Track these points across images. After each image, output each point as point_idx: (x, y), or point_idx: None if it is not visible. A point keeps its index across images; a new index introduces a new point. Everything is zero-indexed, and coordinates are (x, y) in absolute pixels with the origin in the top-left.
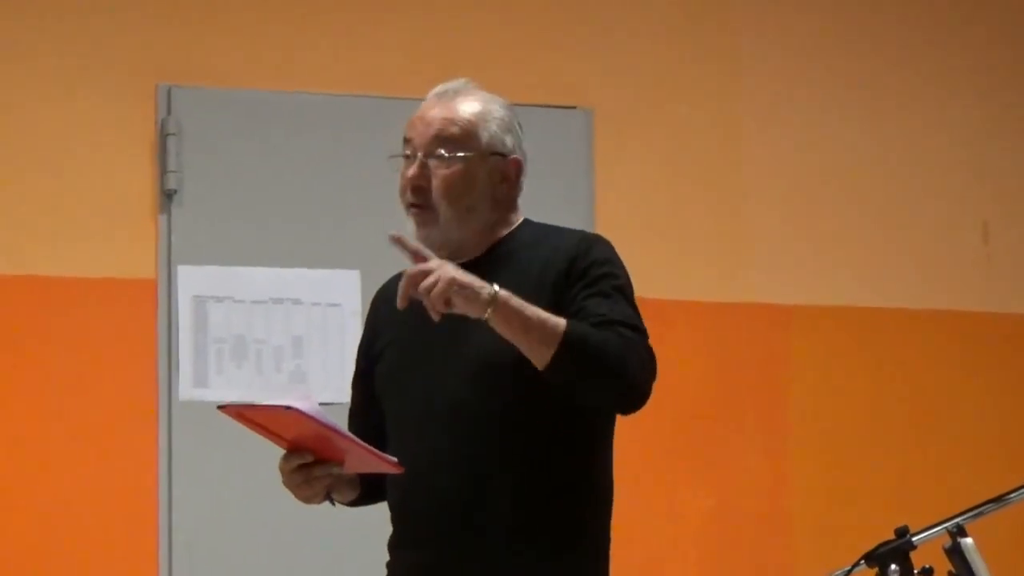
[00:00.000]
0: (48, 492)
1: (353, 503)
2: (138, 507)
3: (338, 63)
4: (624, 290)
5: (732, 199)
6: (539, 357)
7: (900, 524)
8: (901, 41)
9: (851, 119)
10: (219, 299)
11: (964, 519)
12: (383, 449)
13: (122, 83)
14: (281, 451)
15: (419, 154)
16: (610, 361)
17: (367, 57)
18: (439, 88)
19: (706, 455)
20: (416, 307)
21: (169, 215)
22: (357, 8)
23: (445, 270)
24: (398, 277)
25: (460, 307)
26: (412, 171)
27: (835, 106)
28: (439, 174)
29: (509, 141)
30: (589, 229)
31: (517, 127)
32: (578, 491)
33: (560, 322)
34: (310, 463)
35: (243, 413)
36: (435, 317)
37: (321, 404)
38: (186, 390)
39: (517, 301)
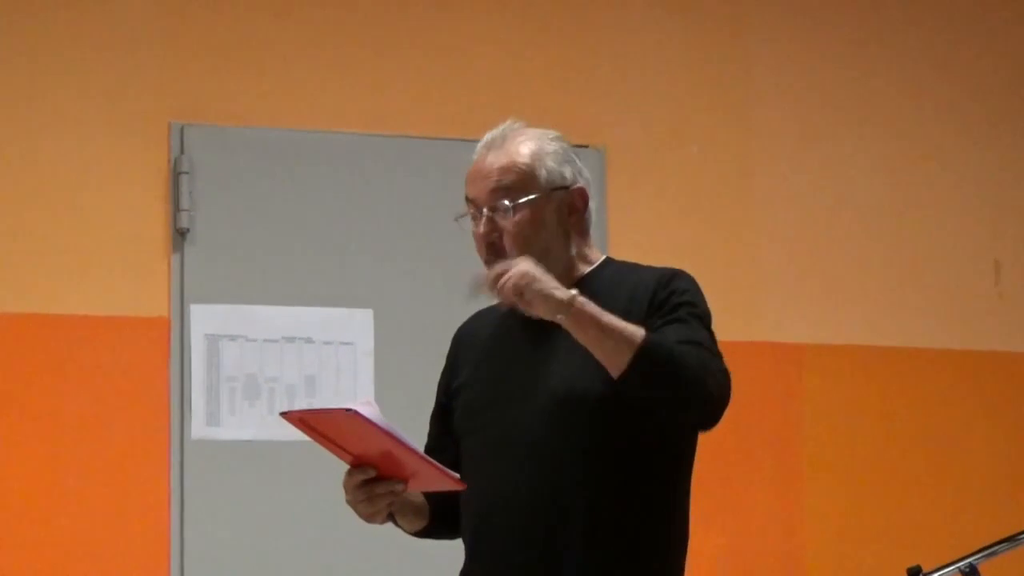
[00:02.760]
0: (61, 530)
1: (420, 534)
2: (151, 546)
3: (351, 102)
4: (702, 318)
5: (744, 238)
6: (615, 363)
7: (913, 564)
8: (914, 82)
9: (863, 158)
10: (232, 338)
11: (977, 559)
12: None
13: (135, 122)
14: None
15: (483, 210)
16: (688, 371)
17: (380, 96)
18: (486, 137)
19: (719, 493)
20: (497, 343)
21: (182, 253)
22: (370, 47)
23: (521, 263)
24: (481, 314)
25: (534, 302)
26: (482, 229)
27: (847, 146)
28: (508, 225)
29: (568, 172)
30: None
31: (574, 157)
32: (655, 531)
33: (638, 330)
34: (372, 480)
35: (304, 419)
36: (502, 307)
37: None
38: (198, 429)
39: (594, 307)
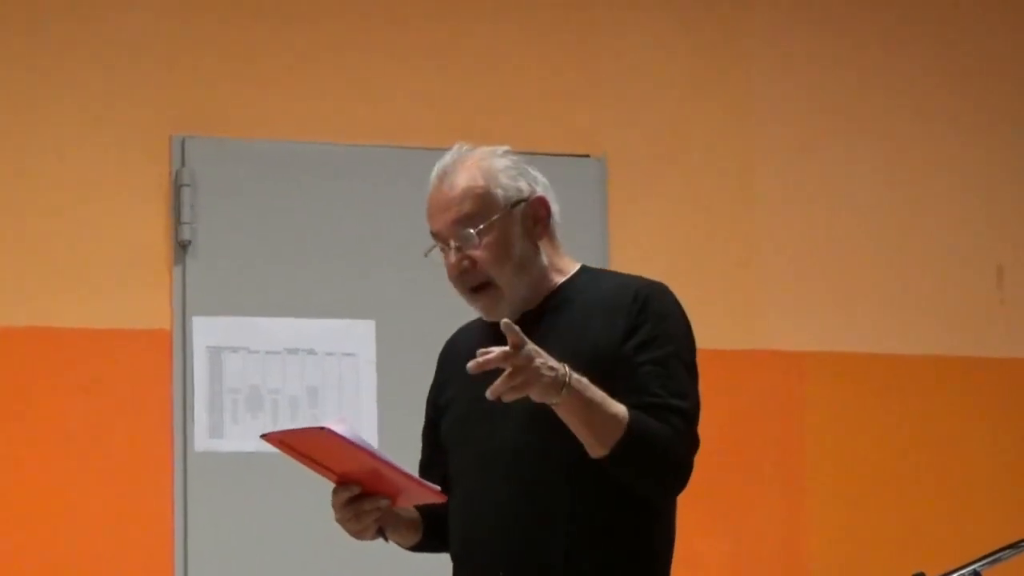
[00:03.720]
0: (64, 542)
1: (415, 548)
2: (154, 558)
3: (352, 113)
4: (681, 354)
5: (745, 246)
6: (593, 449)
7: (917, 570)
8: (914, 87)
9: (864, 165)
10: (234, 349)
11: (980, 565)
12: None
13: (136, 134)
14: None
15: (450, 242)
16: (664, 465)
17: (382, 107)
18: (437, 167)
19: (722, 501)
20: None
21: (184, 266)
22: (372, 59)
23: (533, 372)
24: (465, 329)
25: (533, 397)
26: (452, 261)
27: (848, 153)
28: (478, 251)
29: (523, 184)
30: None
31: (525, 167)
32: (639, 541)
33: (620, 421)
34: (359, 497)
35: (283, 440)
36: (492, 397)
37: None
38: (201, 441)
39: (583, 396)
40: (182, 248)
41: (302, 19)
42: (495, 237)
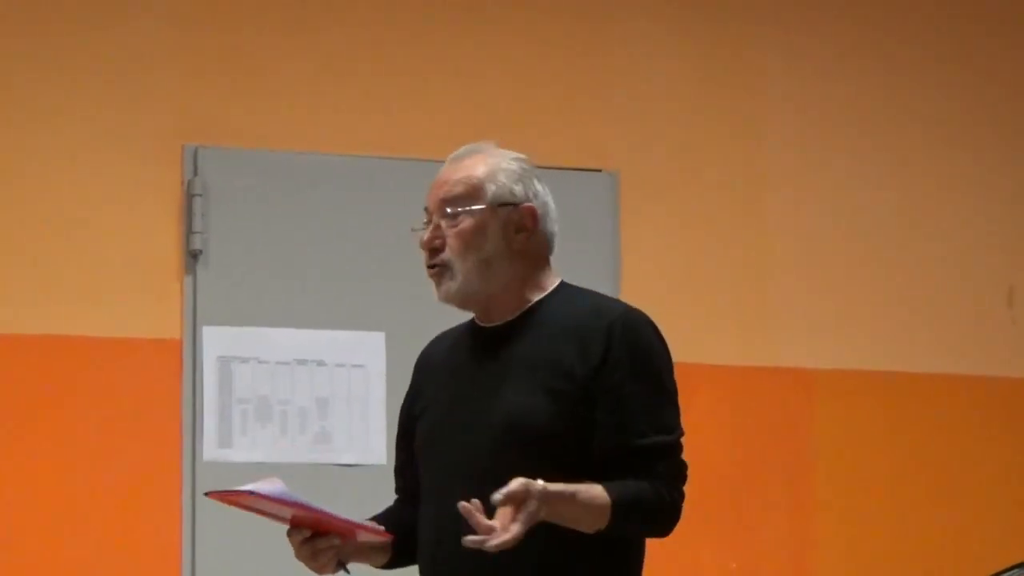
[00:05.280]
0: (72, 552)
1: (386, 566)
2: (162, 568)
3: (364, 125)
4: (663, 384)
5: (756, 263)
6: (590, 530)
7: None
8: (925, 106)
9: (874, 183)
10: (244, 360)
11: None
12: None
13: (148, 144)
14: None
15: (432, 218)
16: (656, 519)
17: (394, 119)
18: (456, 151)
19: (730, 518)
20: (453, 367)
21: (194, 276)
22: (383, 71)
23: (513, 531)
24: (442, 337)
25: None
26: (426, 234)
27: (859, 170)
28: (450, 232)
29: (519, 190)
30: (615, 291)
31: (531, 178)
32: (608, 563)
33: (604, 509)
34: (312, 537)
35: (225, 497)
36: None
37: (345, 465)
38: (210, 451)
39: (560, 508)
40: (193, 258)
41: (315, 31)
42: (470, 226)
